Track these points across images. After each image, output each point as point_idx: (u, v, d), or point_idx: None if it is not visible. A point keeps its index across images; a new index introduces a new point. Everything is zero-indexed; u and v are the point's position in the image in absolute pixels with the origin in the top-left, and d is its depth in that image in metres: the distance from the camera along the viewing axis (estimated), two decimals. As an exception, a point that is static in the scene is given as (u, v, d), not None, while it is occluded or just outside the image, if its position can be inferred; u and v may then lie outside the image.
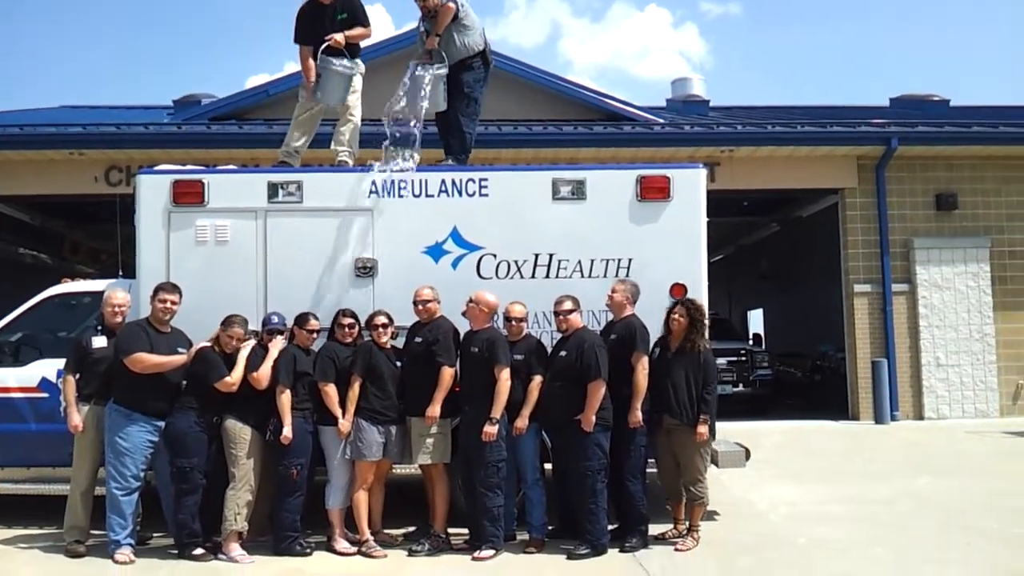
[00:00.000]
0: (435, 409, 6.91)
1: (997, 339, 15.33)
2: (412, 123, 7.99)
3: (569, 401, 6.86)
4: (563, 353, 7.02)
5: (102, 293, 7.55)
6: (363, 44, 8.78)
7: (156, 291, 7.04)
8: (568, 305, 7.09)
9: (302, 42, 8.40)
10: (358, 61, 8.50)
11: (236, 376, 6.84)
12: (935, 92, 20.76)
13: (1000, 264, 15.47)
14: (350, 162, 8.37)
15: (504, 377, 6.87)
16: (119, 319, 7.20)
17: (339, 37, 8.17)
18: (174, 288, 7.08)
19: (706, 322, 7.27)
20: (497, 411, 6.85)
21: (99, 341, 7.10)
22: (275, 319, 7.13)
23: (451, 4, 8.45)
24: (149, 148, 14.07)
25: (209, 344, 6.95)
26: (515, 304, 7.17)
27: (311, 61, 8.30)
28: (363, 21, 8.43)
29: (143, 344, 6.84)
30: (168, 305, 6.99)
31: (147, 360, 6.79)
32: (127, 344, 6.85)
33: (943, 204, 15.46)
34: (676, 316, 7.11)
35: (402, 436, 7.13)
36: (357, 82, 8.49)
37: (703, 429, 6.95)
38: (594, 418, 6.80)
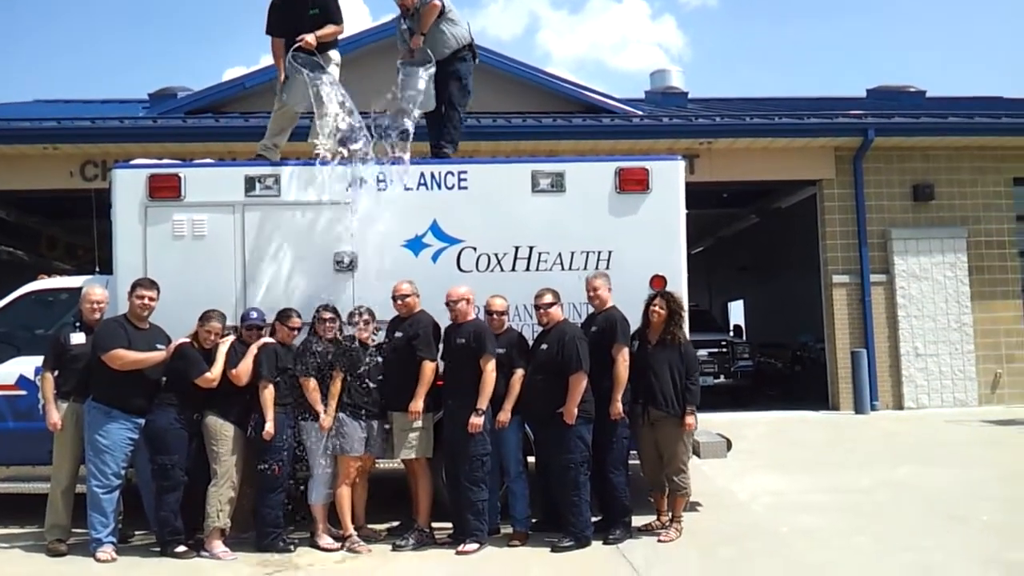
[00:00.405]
0: (418, 404, 6.89)
1: (975, 328, 15.45)
2: (406, 121, 7.91)
3: (551, 394, 6.86)
4: (544, 346, 7.01)
5: (79, 289, 7.48)
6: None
7: (133, 287, 6.98)
8: (548, 299, 7.08)
9: (273, 34, 8.27)
10: (333, 54, 8.34)
11: (216, 372, 6.80)
12: (911, 83, 20.91)
13: (977, 254, 15.59)
14: (328, 155, 8.28)
15: (490, 368, 6.86)
16: (97, 316, 7.13)
17: (310, 38, 7.96)
18: (152, 284, 7.01)
19: (685, 314, 7.27)
20: (483, 403, 6.85)
21: (77, 338, 7.03)
22: (254, 315, 7.07)
23: (436, 2, 8.40)
24: (125, 142, 13.95)
25: (188, 340, 6.90)
26: (496, 298, 7.16)
27: (279, 57, 8.15)
28: (335, 18, 8.23)
29: (121, 341, 6.77)
30: (146, 301, 6.93)
31: (126, 357, 6.73)
32: (105, 341, 6.79)
33: (920, 195, 15.56)
34: (655, 308, 7.12)
35: (384, 431, 7.11)
36: (330, 75, 8.38)
37: (691, 419, 6.99)
38: (576, 411, 6.81)
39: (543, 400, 6.91)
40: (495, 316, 7.11)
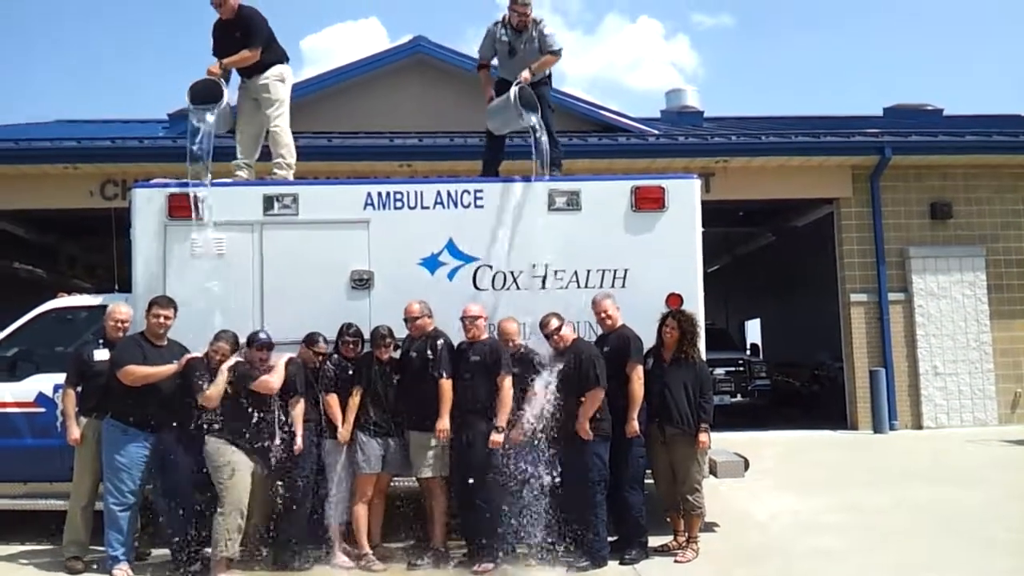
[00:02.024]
0: (444, 422, 6.89)
1: (994, 347, 15.32)
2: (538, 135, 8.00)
3: (568, 412, 6.85)
4: (561, 365, 7.01)
5: (98, 308, 7.53)
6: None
7: (150, 306, 7.02)
8: (555, 324, 7.07)
9: (215, 55, 8.42)
10: (265, 77, 8.45)
11: (212, 391, 6.72)
12: (928, 102, 20.86)
13: (996, 273, 15.47)
14: (288, 175, 8.42)
15: (507, 385, 6.88)
16: (121, 334, 7.16)
17: (214, 67, 8.15)
18: (169, 302, 7.05)
19: (700, 332, 7.27)
20: (503, 419, 6.84)
21: (100, 354, 7.07)
22: (263, 335, 7.05)
23: (554, 56, 8.43)
24: (144, 162, 14.05)
25: (200, 355, 6.91)
26: (508, 322, 7.19)
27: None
28: (252, 43, 8.31)
29: (135, 357, 6.81)
30: (162, 320, 6.96)
31: (137, 372, 6.75)
32: (120, 357, 6.84)
33: (938, 213, 15.47)
34: (668, 328, 7.14)
35: (401, 449, 7.11)
36: (276, 92, 8.50)
37: (704, 437, 6.98)
38: (590, 427, 6.79)
39: (561, 417, 6.89)
40: (509, 342, 7.13)
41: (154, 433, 6.81)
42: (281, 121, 8.56)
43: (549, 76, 8.75)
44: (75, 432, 6.92)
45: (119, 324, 7.18)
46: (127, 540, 6.77)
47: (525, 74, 8.26)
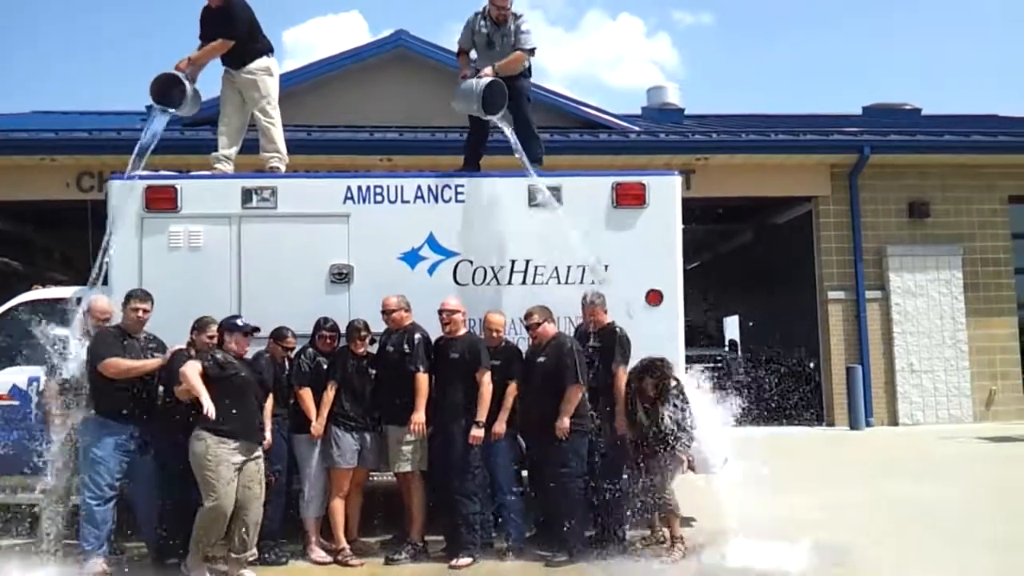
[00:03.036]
0: (420, 415, 6.88)
1: (970, 345, 15.48)
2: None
3: (548, 407, 6.85)
4: (542, 359, 7.00)
5: (74, 300, 7.43)
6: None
7: (128, 299, 6.94)
8: (536, 318, 7.08)
9: (200, 37, 8.43)
10: (250, 69, 8.45)
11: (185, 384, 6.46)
12: (907, 101, 21.01)
13: (972, 271, 15.63)
14: (281, 168, 8.39)
15: (487, 381, 6.88)
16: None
17: (183, 63, 8.15)
18: (146, 295, 6.99)
19: (676, 382, 7.02)
20: (483, 415, 6.85)
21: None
22: (240, 321, 6.77)
23: (524, 53, 8.27)
24: (122, 154, 13.84)
25: (184, 347, 6.80)
26: (494, 314, 7.17)
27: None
28: (227, 32, 8.28)
29: (116, 349, 6.75)
30: (140, 314, 6.88)
31: (120, 364, 6.68)
32: (100, 350, 6.76)
33: (915, 212, 15.61)
34: (646, 388, 6.94)
35: (377, 444, 7.10)
36: (265, 87, 8.50)
37: (683, 456, 7.00)
38: (568, 422, 6.79)
39: (539, 412, 6.89)
40: (494, 333, 7.11)
41: (135, 427, 6.73)
42: (275, 115, 8.53)
43: (529, 69, 8.69)
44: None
45: (102, 318, 7.05)
46: (103, 534, 6.70)
47: (488, 69, 8.18)
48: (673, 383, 6.97)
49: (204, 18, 8.44)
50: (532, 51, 8.34)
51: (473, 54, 8.57)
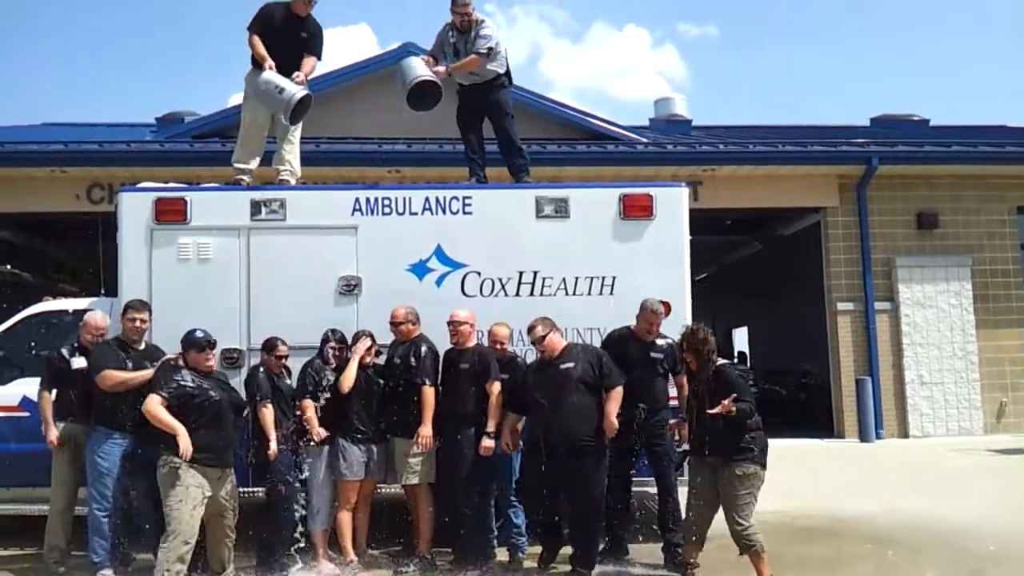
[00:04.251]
0: (427, 429, 6.86)
1: (980, 357, 15.40)
2: None
3: (585, 415, 6.63)
4: (571, 364, 6.73)
5: (85, 311, 7.47)
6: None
7: (125, 309, 6.97)
8: (540, 330, 6.78)
9: (258, 33, 8.16)
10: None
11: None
12: (915, 112, 20.98)
13: (982, 283, 15.56)
14: (292, 181, 8.37)
15: (496, 391, 6.87)
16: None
17: (301, 76, 8.07)
18: (143, 305, 7.01)
19: (706, 346, 6.56)
20: (493, 425, 6.83)
21: (78, 362, 6.99)
22: (199, 333, 6.56)
23: (478, 57, 8.40)
24: (132, 166, 14.01)
25: (174, 357, 6.70)
26: (500, 326, 7.15)
27: (262, 48, 8.09)
28: (318, 51, 8.35)
29: (112, 361, 6.76)
30: (137, 324, 6.90)
31: (114, 377, 6.69)
32: (97, 363, 6.78)
33: (924, 223, 15.56)
34: (687, 358, 6.67)
35: (384, 456, 7.10)
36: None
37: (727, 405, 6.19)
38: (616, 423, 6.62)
39: (577, 422, 6.63)
40: (498, 345, 7.10)
41: (135, 437, 6.72)
42: (298, 132, 8.52)
43: (507, 78, 8.73)
44: (53, 434, 6.87)
45: (95, 333, 7.08)
46: (110, 546, 6.72)
47: (440, 69, 8.39)
48: (718, 358, 6.59)
49: (284, 22, 8.21)
50: (485, 54, 8.40)
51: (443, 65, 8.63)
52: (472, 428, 6.89)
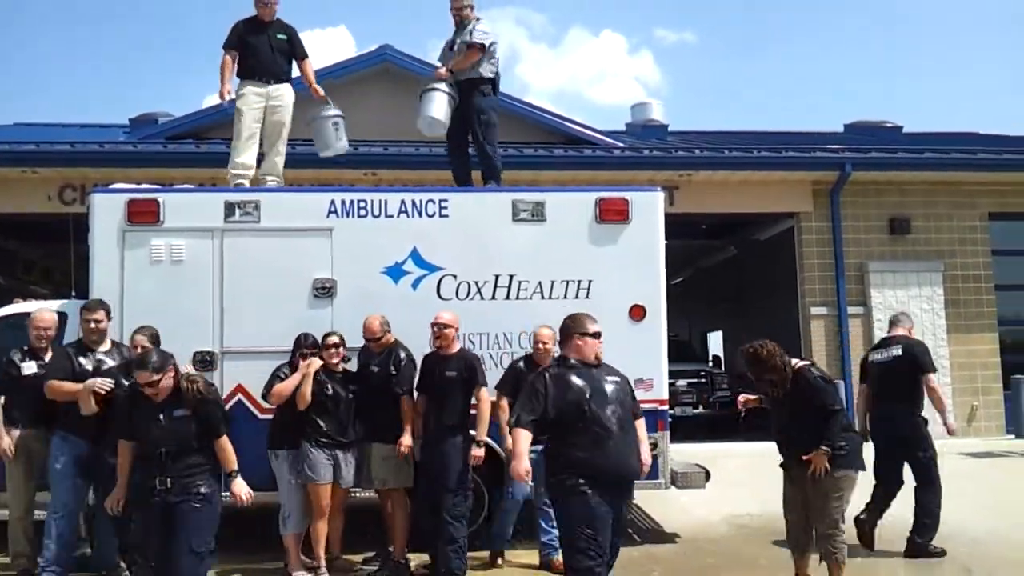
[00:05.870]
0: (407, 439, 6.79)
1: (951, 361, 15.53)
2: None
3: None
4: (616, 380, 5.35)
5: (59, 314, 7.30)
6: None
7: (81, 311, 6.83)
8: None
9: (235, 48, 8.53)
10: (279, 87, 8.76)
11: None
12: (888, 119, 21.19)
13: (953, 288, 15.71)
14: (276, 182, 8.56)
15: (485, 398, 6.82)
16: (44, 343, 6.88)
17: (443, 72, 8.54)
18: (99, 305, 6.85)
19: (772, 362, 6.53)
20: (483, 433, 6.78)
21: (28, 367, 6.79)
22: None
23: (477, 50, 8.47)
24: (105, 167, 13.84)
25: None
26: (545, 328, 6.92)
27: (230, 71, 8.47)
28: (303, 50, 8.71)
29: (61, 372, 6.56)
30: (92, 325, 6.73)
31: (61, 388, 6.49)
32: (48, 372, 6.62)
33: (897, 228, 15.69)
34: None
35: (355, 461, 6.99)
36: (290, 105, 8.79)
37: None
38: None
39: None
40: (541, 345, 6.89)
41: (96, 443, 6.51)
42: (285, 140, 8.78)
43: (494, 86, 8.75)
44: (5, 442, 6.68)
45: (42, 333, 6.88)
46: (65, 550, 6.54)
47: (442, 70, 8.47)
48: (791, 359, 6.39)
49: (253, 30, 8.61)
50: (475, 46, 8.48)
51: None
52: (460, 436, 6.81)
